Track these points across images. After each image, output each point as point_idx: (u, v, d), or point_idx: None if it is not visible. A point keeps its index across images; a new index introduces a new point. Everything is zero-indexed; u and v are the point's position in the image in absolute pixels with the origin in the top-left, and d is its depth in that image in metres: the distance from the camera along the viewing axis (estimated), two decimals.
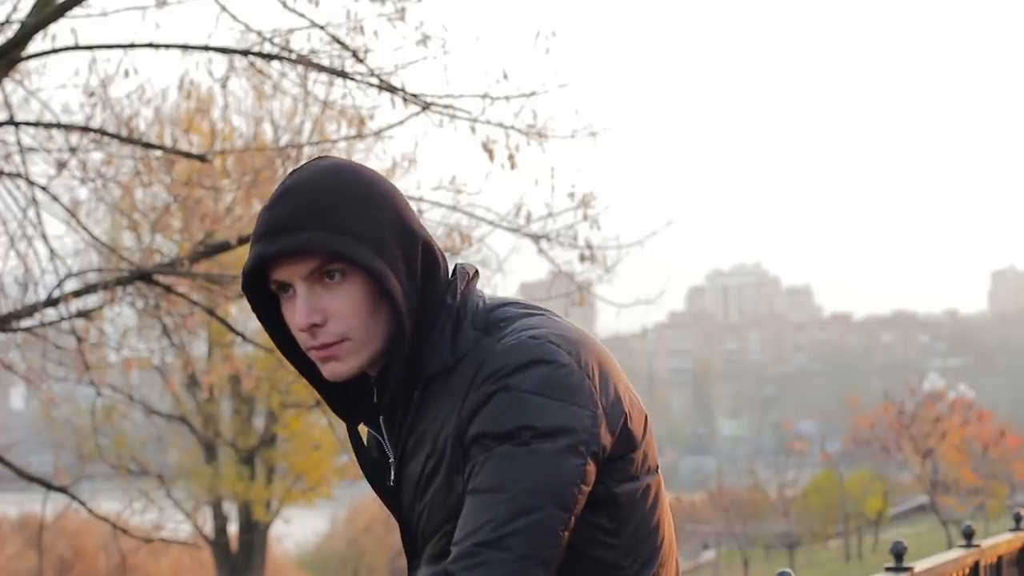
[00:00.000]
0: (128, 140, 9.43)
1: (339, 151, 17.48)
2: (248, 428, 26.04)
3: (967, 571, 6.00)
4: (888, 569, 5.19)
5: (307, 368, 2.11)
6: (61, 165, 9.58)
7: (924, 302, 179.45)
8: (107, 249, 11.05)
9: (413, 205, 10.50)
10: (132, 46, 8.95)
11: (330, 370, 2.03)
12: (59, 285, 9.71)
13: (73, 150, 9.53)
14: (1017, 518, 7.24)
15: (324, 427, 23.92)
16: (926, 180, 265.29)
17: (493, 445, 1.93)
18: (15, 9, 8.87)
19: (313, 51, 9.00)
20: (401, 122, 9.44)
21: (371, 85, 9.18)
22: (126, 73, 9.24)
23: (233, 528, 26.75)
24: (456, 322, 2.05)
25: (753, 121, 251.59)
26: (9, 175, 9.53)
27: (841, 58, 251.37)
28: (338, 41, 8.94)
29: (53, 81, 19.18)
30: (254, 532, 26.22)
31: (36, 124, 9.63)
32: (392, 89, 9.08)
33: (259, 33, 9.00)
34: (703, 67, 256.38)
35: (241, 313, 18.83)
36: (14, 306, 9.87)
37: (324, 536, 43.40)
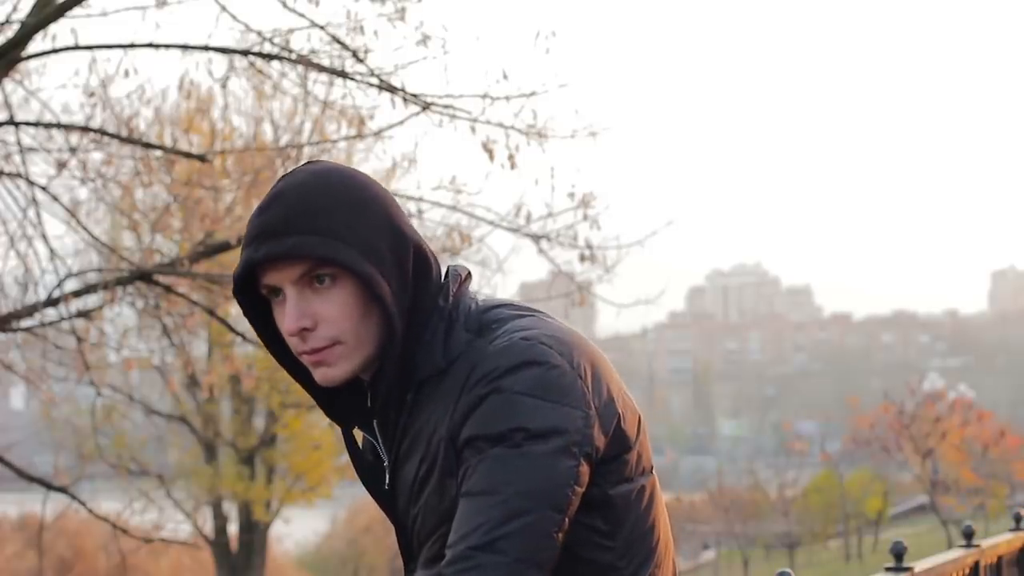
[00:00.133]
0: (128, 140, 9.43)
1: (339, 151, 17.49)
2: (248, 428, 26.04)
3: (967, 571, 6.00)
4: (888, 569, 5.19)
5: (300, 373, 2.11)
6: (61, 165, 9.58)
7: (924, 302, 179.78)
8: (107, 249, 11.05)
9: (413, 205, 10.53)
10: (132, 46, 8.95)
11: (322, 375, 2.03)
12: (59, 285, 9.71)
13: (73, 150, 9.53)
14: (1017, 518, 7.24)
15: (324, 427, 23.94)
16: (926, 180, 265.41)
17: (486, 447, 1.92)
18: (15, 9, 8.87)
19: (313, 51, 9.00)
20: (401, 122, 9.44)
21: (371, 85, 9.18)
22: (126, 73, 9.24)
23: (233, 528, 26.75)
24: (448, 324, 2.04)
25: (753, 121, 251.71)
26: (9, 175, 9.53)
27: (841, 58, 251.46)
28: (338, 41, 8.94)
29: (53, 81, 19.21)
30: (254, 532, 26.22)
31: (36, 124, 9.63)
32: (392, 89, 9.08)
33: (259, 33, 9.00)
34: (703, 67, 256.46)
35: (241, 313, 18.80)
36: (14, 306, 9.87)
37: (324, 536, 43.39)
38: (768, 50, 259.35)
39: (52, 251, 9.75)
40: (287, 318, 2.00)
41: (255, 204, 9.67)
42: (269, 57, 9.11)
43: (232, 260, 12.38)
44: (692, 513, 47.66)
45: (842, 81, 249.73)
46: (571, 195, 9.63)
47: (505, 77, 9.00)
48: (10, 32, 8.90)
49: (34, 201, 9.65)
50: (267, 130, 18.42)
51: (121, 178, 10.08)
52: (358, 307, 2.00)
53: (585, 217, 9.71)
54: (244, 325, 17.03)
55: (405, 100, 9.10)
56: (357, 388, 2.12)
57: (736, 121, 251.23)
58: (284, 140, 17.18)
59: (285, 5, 8.84)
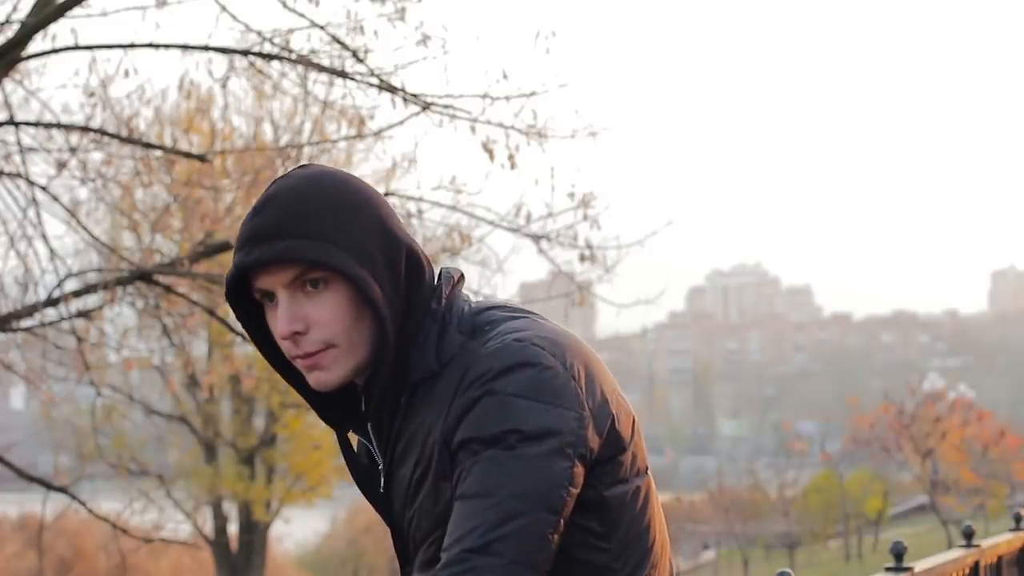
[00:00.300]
0: (128, 140, 9.43)
1: (339, 151, 17.49)
2: (248, 428, 26.03)
3: (967, 571, 6.00)
4: (888, 569, 5.19)
5: (295, 376, 2.10)
6: (61, 165, 9.58)
7: (924, 302, 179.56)
8: (107, 249, 11.05)
9: (413, 205, 10.52)
10: (132, 46, 8.95)
11: (315, 379, 2.03)
12: (59, 285, 9.71)
13: (73, 150, 9.53)
14: (1017, 518, 7.24)
15: (324, 427, 23.83)
16: (926, 180, 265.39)
17: (480, 450, 1.92)
18: (15, 9, 8.87)
19: (313, 51, 9.00)
20: (401, 122, 9.44)
21: (371, 85, 9.18)
22: (126, 73, 9.24)
23: (233, 528, 26.74)
24: (441, 327, 2.04)
25: (752, 121, 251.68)
26: (9, 175, 9.53)
27: (841, 58, 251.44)
28: (338, 41, 8.94)
29: (53, 81, 19.19)
30: (254, 532, 26.21)
31: (36, 124, 9.63)
32: (392, 89, 9.08)
33: (259, 33, 9.00)
34: (703, 67, 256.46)
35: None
36: (14, 306, 9.87)
37: (324, 536, 43.39)
38: (768, 50, 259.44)
39: (52, 251, 9.75)
40: (279, 322, 2.00)
41: None
42: (269, 57, 9.11)
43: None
44: (692, 513, 47.66)
45: (842, 81, 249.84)
46: (571, 195, 9.63)
47: (505, 77, 9.00)
48: (10, 32, 8.90)
49: (34, 201, 9.65)
50: (267, 130, 18.44)
51: (121, 178, 10.08)
52: (351, 310, 2.00)
53: (585, 217, 9.71)
54: None
55: (405, 100, 9.10)
56: (351, 391, 2.11)
57: (736, 121, 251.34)
58: (284, 140, 17.19)
59: (285, 5, 8.84)
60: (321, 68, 9.05)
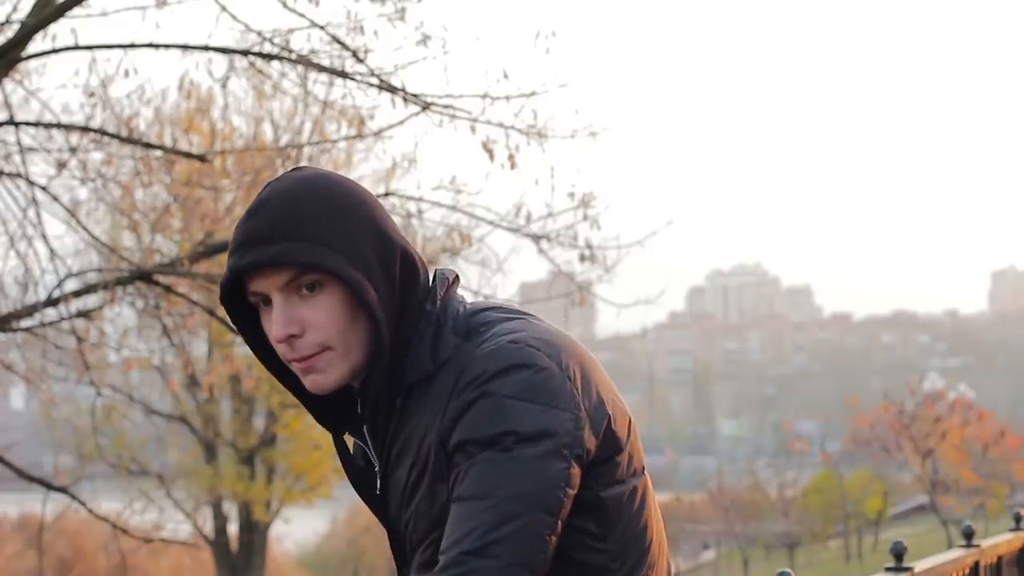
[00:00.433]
0: (128, 140, 9.42)
1: (339, 151, 17.50)
2: (248, 428, 26.02)
3: (967, 571, 5.99)
4: (888, 569, 5.18)
5: (290, 379, 2.10)
6: (61, 165, 9.57)
7: (924, 302, 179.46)
8: (107, 249, 11.05)
9: (413, 205, 10.52)
10: (132, 46, 8.95)
11: (312, 382, 2.03)
12: (59, 285, 9.70)
13: (73, 150, 9.53)
14: (1017, 518, 7.24)
15: (323, 428, 23.85)
16: (926, 180, 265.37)
17: (476, 452, 1.92)
18: (15, 9, 8.87)
19: (313, 51, 9.00)
20: (401, 122, 9.44)
21: (371, 85, 9.18)
22: (126, 73, 9.24)
23: (233, 528, 26.74)
24: (436, 328, 2.04)
25: (752, 121, 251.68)
26: (9, 175, 9.53)
27: (841, 58, 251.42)
28: (338, 41, 8.94)
29: (53, 81, 19.20)
30: (254, 532, 26.21)
31: (36, 124, 9.63)
32: (392, 89, 9.08)
33: (259, 33, 9.00)
34: (703, 67, 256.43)
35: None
36: (14, 306, 9.87)
37: (324, 536, 43.38)
38: (768, 50, 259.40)
39: (52, 251, 9.75)
40: (274, 325, 2.00)
41: None
42: (269, 57, 9.11)
43: None
44: (692, 513, 47.67)
45: (842, 81, 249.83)
46: (571, 195, 9.63)
47: (505, 77, 9.00)
48: (10, 32, 8.90)
49: (34, 201, 9.64)
50: (267, 130, 18.45)
51: (121, 178, 10.08)
52: (345, 313, 1.99)
53: (585, 217, 9.71)
54: None
55: (405, 100, 9.10)
56: (347, 394, 2.11)
57: (736, 121, 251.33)
58: (284, 140, 17.20)
59: (285, 5, 8.84)
60: (321, 68, 9.05)
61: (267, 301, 2.02)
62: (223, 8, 8.80)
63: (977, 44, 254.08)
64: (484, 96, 9.03)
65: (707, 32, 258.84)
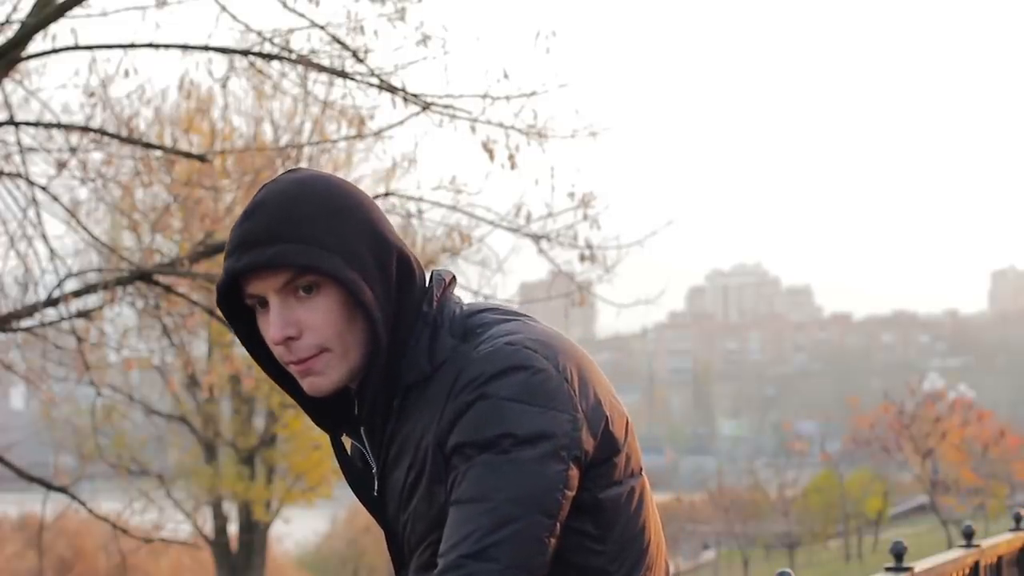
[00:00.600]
0: (128, 140, 9.42)
1: (339, 151, 17.49)
2: (248, 428, 26.03)
3: (967, 571, 5.99)
4: (888, 569, 5.18)
5: (287, 381, 2.10)
6: (61, 165, 9.57)
7: (924, 302, 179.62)
8: (107, 249, 11.05)
9: (413, 205, 10.51)
10: (132, 46, 8.95)
11: (310, 384, 2.02)
12: (59, 285, 9.70)
13: (73, 150, 9.53)
14: (1017, 518, 7.24)
15: None
16: (926, 180, 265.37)
17: (474, 454, 1.92)
18: (15, 9, 8.87)
19: (313, 51, 9.00)
20: (401, 122, 9.44)
21: (371, 85, 9.18)
22: (126, 73, 9.24)
23: (233, 528, 26.74)
24: (433, 330, 2.03)
25: (752, 121, 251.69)
26: (9, 175, 9.53)
27: (841, 58, 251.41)
28: (338, 41, 8.94)
29: (53, 81, 19.18)
30: (254, 532, 26.21)
31: (36, 124, 9.63)
32: (392, 89, 9.08)
33: (259, 33, 9.00)
34: (703, 67, 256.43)
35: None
36: (14, 306, 9.87)
37: (324, 536, 43.37)
38: (768, 50, 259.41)
39: (52, 251, 9.75)
40: (272, 327, 1.99)
41: None
42: (269, 57, 9.11)
43: None
44: (692, 513, 47.66)
45: (842, 81, 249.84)
46: (571, 195, 9.63)
47: (505, 77, 9.00)
48: (10, 32, 8.90)
49: (34, 201, 9.64)
50: (267, 130, 18.45)
51: (121, 178, 10.08)
52: (343, 314, 1.99)
53: (585, 217, 9.71)
54: None
55: (405, 100, 9.10)
56: (344, 395, 2.11)
57: (735, 121, 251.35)
58: (284, 140, 17.21)
59: (285, 5, 8.84)
60: (321, 68, 9.05)
61: (264, 303, 2.01)
62: (223, 8, 8.80)
63: (977, 44, 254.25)
64: (484, 96, 9.04)
65: (707, 32, 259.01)
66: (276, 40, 8.99)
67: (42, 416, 26.50)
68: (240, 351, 19.62)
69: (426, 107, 9.10)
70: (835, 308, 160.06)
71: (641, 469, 2.08)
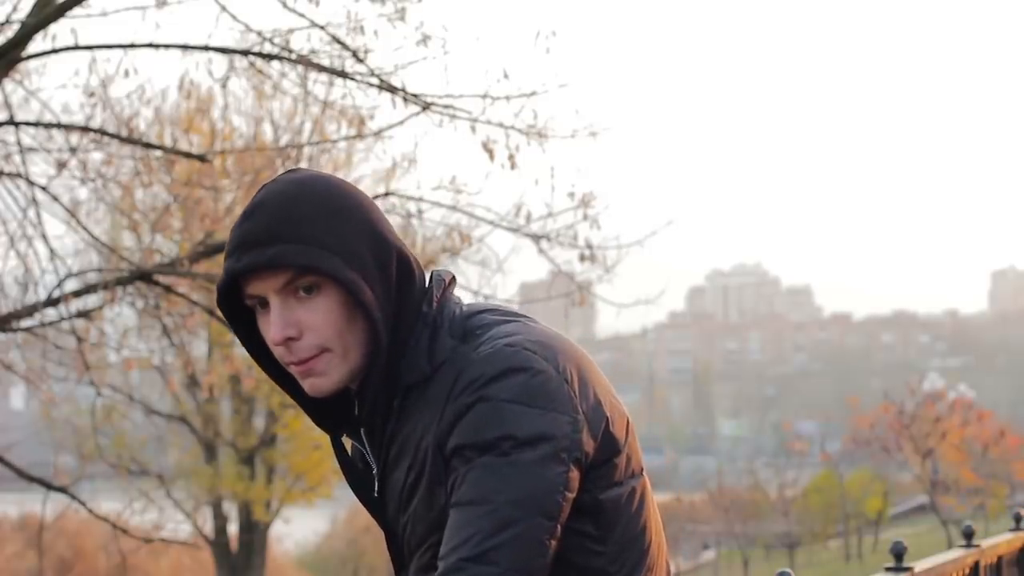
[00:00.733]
0: (128, 140, 9.42)
1: (339, 151, 17.49)
2: (248, 428, 26.03)
3: (967, 571, 5.99)
4: (888, 569, 5.18)
5: (287, 382, 2.09)
6: (61, 165, 9.57)
7: (924, 302, 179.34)
8: (107, 249, 11.05)
9: (413, 205, 10.52)
10: (132, 46, 8.95)
11: (311, 385, 2.02)
12: (59, 285, 9.70)
13: (73, 150, 9.53)
14: (1017, 518, 7.24)
15: None
16: (926, 180, 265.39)
17: (474, 456, 1.91)
18: (15, 9, 8.87)
19: (313, 51, 8.99)
20: (401, 122, 9.44)
21: (371, 85, 9.18)
22: (126, 73, 9.24)
23: (233, 528, 26.74)
24: (433, 330, 2.03)
25: (752, 121, 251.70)
26: (9, 175, 9.52)
27: (841, 58, 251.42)
28: (338, 41, 8.94)
29: (53, 81, 19.19)
30: (254, 532, 26.21)
31: (36, 124, 9.63)
32: (392, 89, 9.08)
33: (259, 33, 9.00)
34: (703, 67, 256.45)
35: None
36: (14, 306, 9.86)
37: (324, 536, 43.36)
38: (768, 50, 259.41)
39: (52, 251, 9.75)
40: (272, 328, 1.99)
41: None
42: (269, 57, 9.11)
43: None
44: (692, 513, 47.67)
45: (842, 81, 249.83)
46: (571, 195, 9.63)
47: (505, 77, 9.00)
48: (10, 32, 8.90)
49: (34, 201, 9.64)
50: (267, 130, 18.45)
51: (121, 178, 10.08)
52: (343, 315, 1.98)
53: (585, 217, 9.70)
54: None
55: (405, 100, 9.10)
56: (344, 396, 2.10)
57: (735, 121, 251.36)
58: (284, 140, 17.21)
59: (285, 5, 8.84)
60: (321, 68, 9.05)
61: (264, 304, 2.01)
62: (223, 8, 8.80)
63: (977, 44, 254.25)
64: (484, 96, 9.03)
65: (707, 32, 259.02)
66: (276, 40, 9.00)
67: (42, 416, 26.49)
68: (240, 351, 19.62)
69: (426, 107, 9.09)
70: (835, 308, 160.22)
71: (642, 469, 2.07)
